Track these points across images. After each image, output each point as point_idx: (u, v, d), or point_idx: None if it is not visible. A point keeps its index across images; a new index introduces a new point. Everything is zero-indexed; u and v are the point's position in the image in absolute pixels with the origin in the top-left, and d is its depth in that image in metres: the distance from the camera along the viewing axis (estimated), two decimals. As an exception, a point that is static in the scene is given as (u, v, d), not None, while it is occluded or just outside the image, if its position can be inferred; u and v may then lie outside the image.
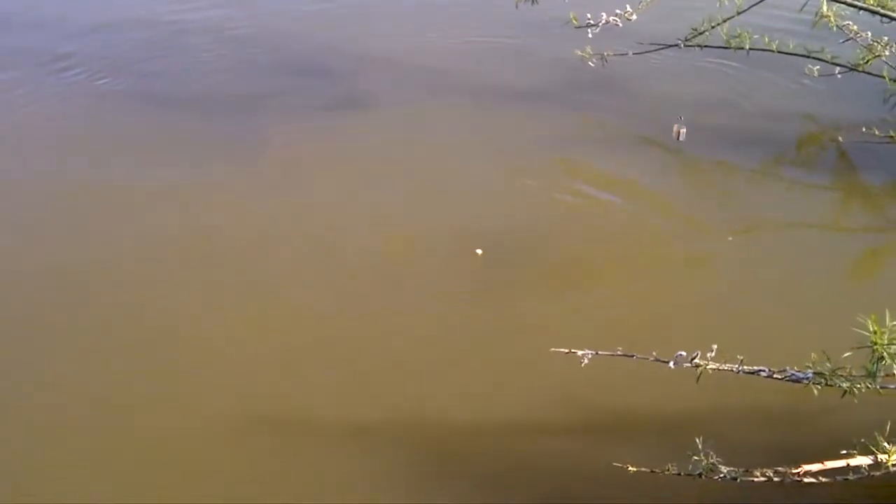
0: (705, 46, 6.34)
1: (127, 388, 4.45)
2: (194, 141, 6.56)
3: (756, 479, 3.40)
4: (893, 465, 3.24)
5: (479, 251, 5.27)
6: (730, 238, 5.38)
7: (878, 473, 3.31)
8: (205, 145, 6.49)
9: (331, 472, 4.01)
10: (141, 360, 4.61)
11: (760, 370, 3.56)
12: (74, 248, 5.46)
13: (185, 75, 7.57)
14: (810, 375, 3.46)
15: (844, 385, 3.39)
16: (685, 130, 6.04)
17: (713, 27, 6.21)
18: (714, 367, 3.51)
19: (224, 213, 5.73)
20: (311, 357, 4.63)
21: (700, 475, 3.42)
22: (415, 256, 5.29)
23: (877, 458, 3.25)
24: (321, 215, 5.72)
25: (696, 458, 3.41)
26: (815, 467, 3.35)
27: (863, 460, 3.30)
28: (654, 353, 3.59)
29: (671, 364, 3.53)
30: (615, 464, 3.56)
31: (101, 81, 7.45)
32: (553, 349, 3.66)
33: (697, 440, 3.41)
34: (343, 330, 4.80)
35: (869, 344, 3.26)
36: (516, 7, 5.88)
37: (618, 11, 5.77)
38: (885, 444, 3.22)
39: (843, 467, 3.35)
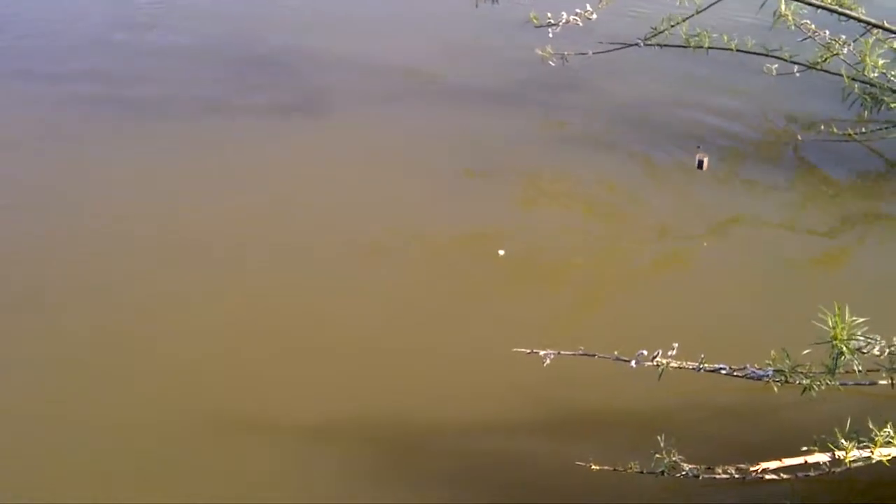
0: (665, 45, 6.37)
1: (91, 389, 4.41)
2: (149, 141, 6.52)
3: (718, 476, 3.41)
4: (851, 462, 3.27)
5: (501, 252, 5.27)
6: (704, 244, 5.39)
7: (838, 469, 3.33)
8: (161, 145, 6.46)
9: (295, 472, 3.97)
10: (109, 363, 4.57)
11: (721, 368, 3.58)
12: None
13: (141, 78, 7.54)
14: (770, 373, 3.48)
15: (804, 382, 3.41)
16: (707, 159, 6.03)
17: (672, 26, 6.24)
18: (675, 365, 3.53)
19: (187, 213, 5.70)
20: (276, 356, 4.59)
21: (662, 473, 3.43)
22: (378, 259, 5.28)
23: (834, 454, 3.28)
24: (282, 214, 5.70)
25: (658, 455, 3.42)
26: (773, 465, 3.37)
27: (821, 457, 3.32)
28: (615, 353, 3.61)
29: (632, 363, 3.54)
30: (578, 462, 3.56)
31: (57, 83, 7.40)
32: (515, 349, 3.67)
33: (660, 438, 3.42)
34: (309, 329, 4.77)
35: (829, 339, 3.28)
36: (476, 6, 5.87)
37: (577, 11, 5.78)
38: (843, 440, 3.24)
39: (803, 464, 3.36)
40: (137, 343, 4.68)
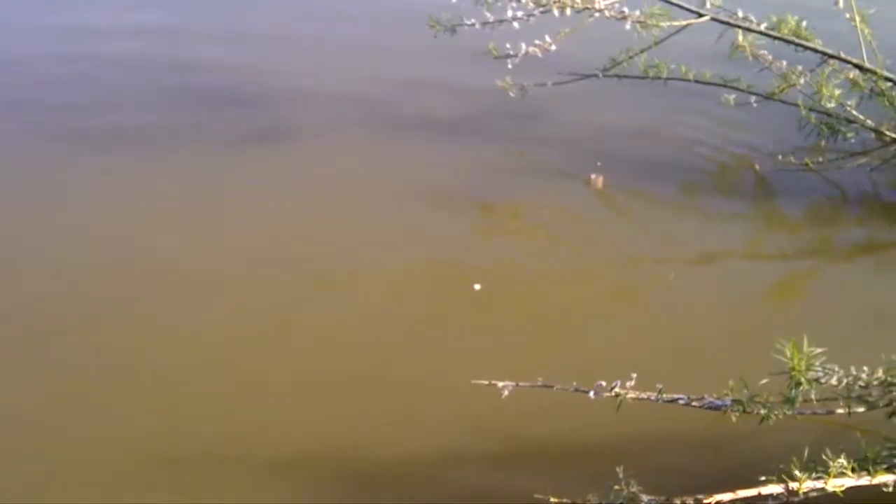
0: (623, 76, 6.43)
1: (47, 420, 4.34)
2: (108, 172, 6.45)
3: (676, 508, 3.42)
4: (805, 494, 3.28)
5: (477, 286, 5.23)
6: (671, 276, 5.39)
7: (796, 499, 3.33)
8: (120, 176, 6.40)
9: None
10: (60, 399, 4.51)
11: (679, 398, 3.59)
12: None
13: (96, 106, 7.48)
14: (728, 403, 3.49)
15: (762, 412, 3.43)
16: (603, 178, 6.09)
17: (631, 58, 6.30)
18: (633, 395, 3.53)
19: (146, 244, 5.63)
20: (232, 386, 4.53)
21: (621, 504, 3.43)
22: (337, 289, 5.25)
23: (788, 486, 3.28)
24: (240, 244, 5.64)
25: (616, 487, 3.41)
26: (727, 496, 3.36)
27: (774, 489, 3.32)
28: (574, 384, 3.60)
29: (591, 394, 3.54)
30: (536, 495, 3.55)
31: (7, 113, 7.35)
32: (474, 381, 3.65)
33: (618, 469, 3.41)
34: (262, 361, 4.71)
35: (787, 370, 3.30)
36: (435, 37, 5.89)
37: (537, 42, 5.81)
38: (798, 472, 3.25)
39: (758, 495, 3.37)
40: (90, 372, 4.63)
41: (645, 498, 3.40)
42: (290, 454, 4.16)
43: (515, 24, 5.75)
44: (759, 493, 3.35)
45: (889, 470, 3.39)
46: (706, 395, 3.57)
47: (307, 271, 5.37)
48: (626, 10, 5.76)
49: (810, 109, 6.14)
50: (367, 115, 7.27)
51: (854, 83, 6.14)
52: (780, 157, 6.26)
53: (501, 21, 5.77)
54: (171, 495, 3.96)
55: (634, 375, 3.50)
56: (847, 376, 3.40)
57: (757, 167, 6.47)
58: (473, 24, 5.85)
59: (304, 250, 5.57)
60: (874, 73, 6.01)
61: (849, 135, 6.17)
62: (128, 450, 4.16)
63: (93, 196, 6.15)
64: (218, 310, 5.08)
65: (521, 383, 3.62)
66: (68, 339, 4.85)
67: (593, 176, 6.15)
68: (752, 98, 6.30)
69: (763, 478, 3.35)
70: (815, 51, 6.01)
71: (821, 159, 6.17)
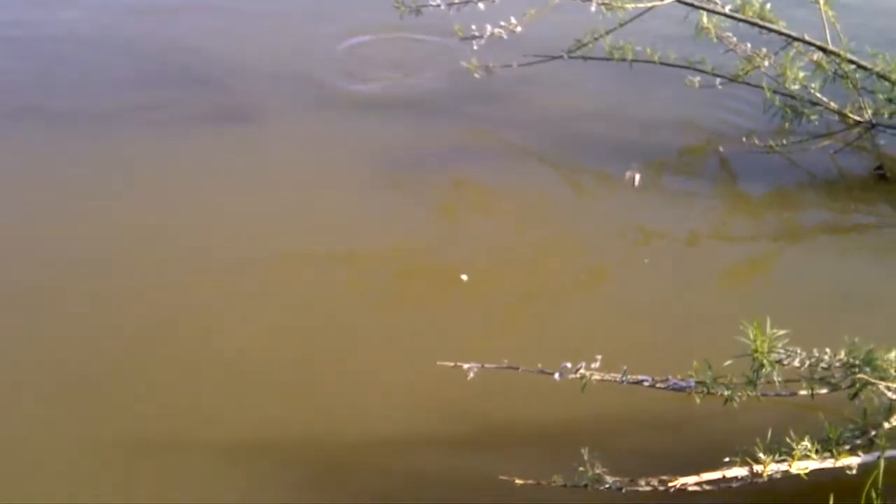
0: (589, 58, 6.42)
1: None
2: (56, 156, 6.36)
3: (641, 489, 3.43)
4: (768, 476, 3.31)
5: (464, 277, 5.18)
6: (646, 260, 5.38)
7: (760, 480, 3.35)
8: (68, 160, 6.31)
9: (212, 492, 3.89)
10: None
11: (644, 380, 3.61)
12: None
13: (51, 87, 7.35)
14: (692, 384, 3.51)
15: (725, 393, 3.45)
16: (640, 176, 6.05)
17: (596, 39, 6.30)
18: (598, 377, 3.55)
19: (96, 227, 5.56)
20: (188, 374, 4.49)
21: (586, 486, 3.43)
22: (299, 272, 5.20)
23: (752, 468, 3.31)
24: (191, 229, 5.58)
25: (581, 469, 3.42)
26: (692, 479, 3.39)
27: (738, 471, 3.35)
28: (539, 365, 3.61)
29: (556, 376, 3.55)
30: (502, 477, 3.55)
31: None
32: (439, 362, 3.65)
33: (583, 451, 3.42)
34: (224, 344, 4.68)
35: (750, 352, 3.32)
36: (401, 18, 5.86)
37: (502, 23, 5.79)
38: (762, 454, 3.28)
39: (722, 478, 3.39)
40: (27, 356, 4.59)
41: (609, 479, 3.42)
42: (254, 439, 4.14)
43: (481, 6, 5.74)
44: (724, 476, 3.38)
45: (851, 451, 3.43)
46: (670, 377, 3.59)
47: (271, 256, 5.32)
48: (591, -9, 5.76)
49: (774, 92, 6.16)
50: (330, 95, 7.19)
51: (818, 65, 6.19)
52: (744, 139, 6.26)
53: (467, 2, 5.76)
54: (126, 481, 3.93)
55: (599, 357, 3.52)
56: (810, 358, 3.43)
57: (721, 149, 6.47)
58: (439, 5, 5.83)
59: (266, 236, 5.53)
60: (838, 55, 6.05)
61: (812, 117, 6.21)
62: (78, 436, 4.14)
63: (41, 178, 6.07)
64: (179, 292, 5.04)
65: (486, 365, 3.62)
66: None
67: (628, 173, 6.08)
68: (717, 80, 6.33)
69: (727, 459, 3.38)
70: (780, 33, 6.05)
71: (784, 141, 6.17)
